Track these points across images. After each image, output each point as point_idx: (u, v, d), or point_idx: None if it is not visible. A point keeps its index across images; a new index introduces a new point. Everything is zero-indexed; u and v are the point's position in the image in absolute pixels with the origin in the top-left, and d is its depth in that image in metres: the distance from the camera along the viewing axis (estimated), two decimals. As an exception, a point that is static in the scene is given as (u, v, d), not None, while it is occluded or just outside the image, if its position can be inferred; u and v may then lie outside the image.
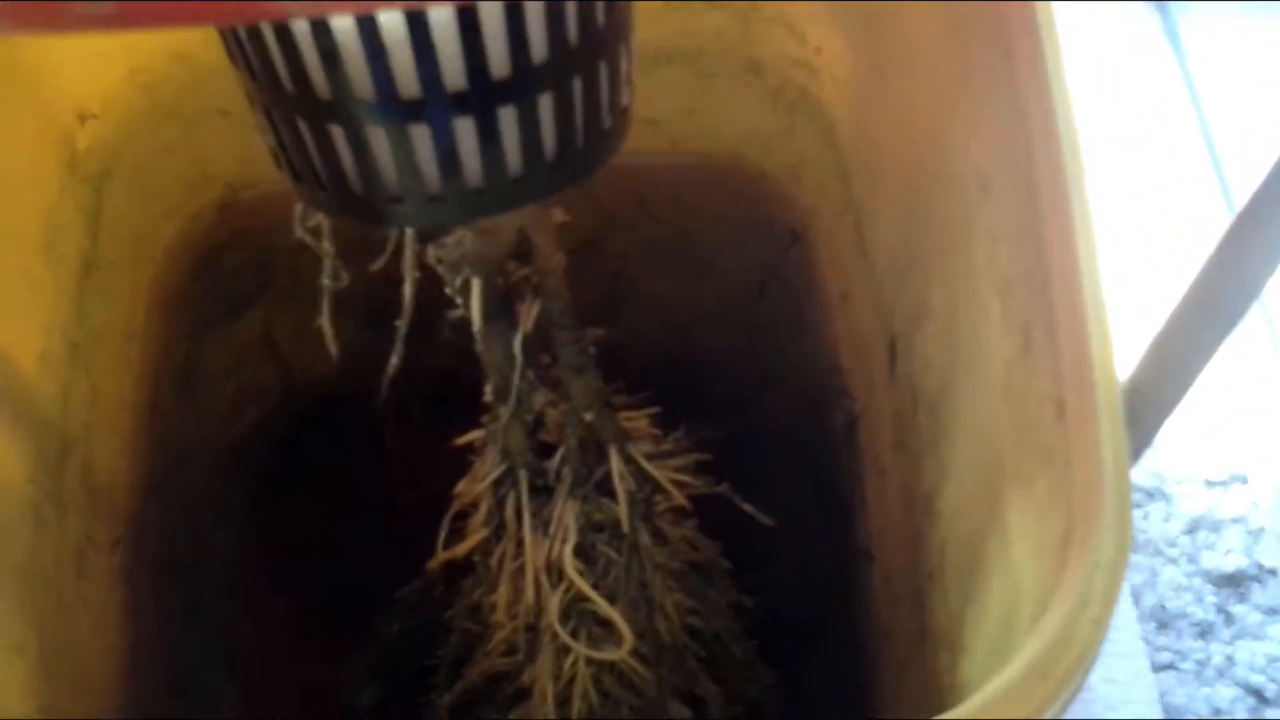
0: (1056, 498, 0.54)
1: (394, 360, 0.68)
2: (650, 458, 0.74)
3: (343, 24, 0.46)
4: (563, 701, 0.76)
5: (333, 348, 0.68)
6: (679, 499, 0.76)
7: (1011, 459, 0.60)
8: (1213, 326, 0.52)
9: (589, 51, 0.51)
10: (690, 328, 1.04)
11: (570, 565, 0.71)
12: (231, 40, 0.52)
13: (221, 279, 0.99)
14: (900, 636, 0.82)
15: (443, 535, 0.77)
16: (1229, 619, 1.22)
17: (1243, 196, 1.28)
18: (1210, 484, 1.29)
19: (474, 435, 0.75)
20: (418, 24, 0.46)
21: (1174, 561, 1.25)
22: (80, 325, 0.82)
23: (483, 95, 0.49)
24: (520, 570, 0.74)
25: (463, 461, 0.80)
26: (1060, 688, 0.49)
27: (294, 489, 1.04)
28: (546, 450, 0.74)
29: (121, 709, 0.82)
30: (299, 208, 0.61)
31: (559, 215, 0.63)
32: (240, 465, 1.03)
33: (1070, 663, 0.49)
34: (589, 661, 0.74)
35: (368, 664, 0.92)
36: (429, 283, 0.68)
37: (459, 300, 0.66)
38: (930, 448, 0.74)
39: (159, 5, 0.32)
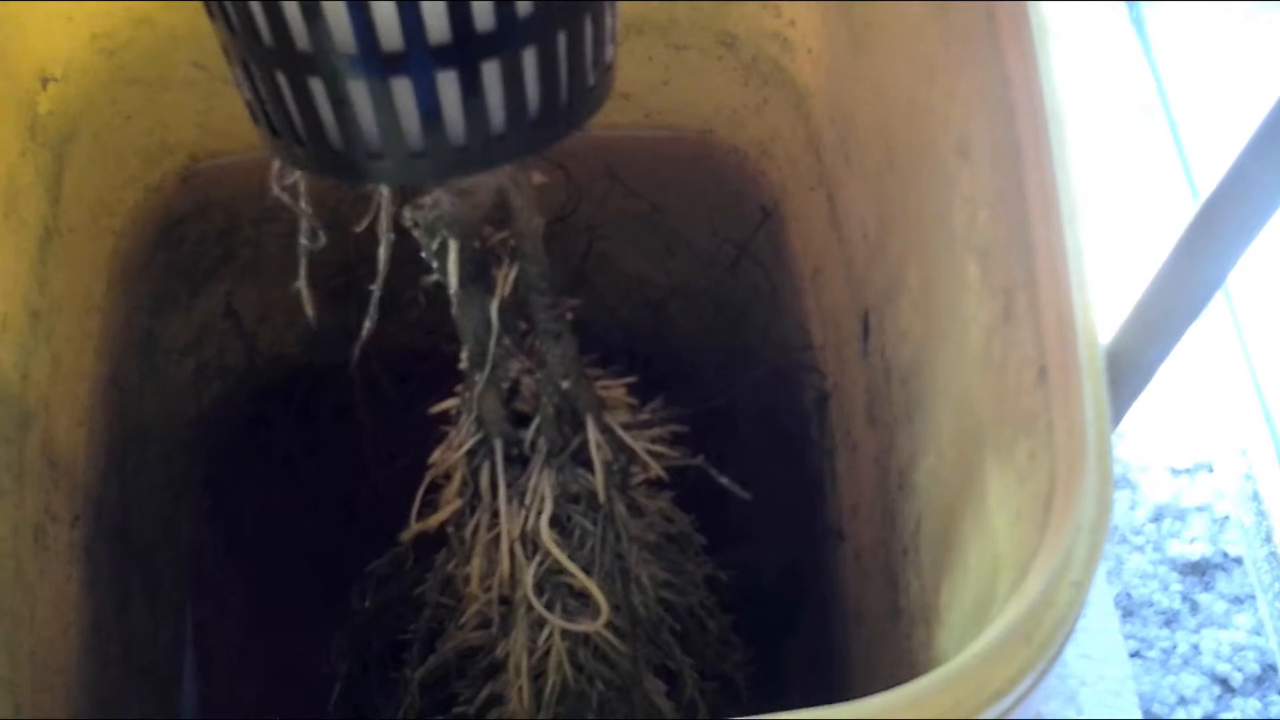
0: (1037, 463, 0.53)
1: (367, 325, 0.67)
2: (627, 427, 0.74)
3: None
4: (537, 675, 0.75)
5: (310, 310, 0.67)
6: (656, 470, 0.76)
7: (991, 426, 0.60)
8: (1196, 288, 0.52)
9: (574, 6, 0.50)
10: (662, 302, 1.04)
11: (547, 536, 0.70)
12: (208, -10, 0.50)
13: (183, 251, 0.98)
14: (871, 614, 0.82)
15: (416, 506, 0.76)
16: (1194, 607, 1.23)
17: (1206, 182, 1.29)
18: (1176, 472, 1.30)
19: (449, 404, 0.74)
20: None
21: (1140, 550, 1.26)
22: (41, 293, 0.81)
23: (466, 48, 0.48)
24: (495, 542, 0.73)
25: (433, 435, 0.79)
26: (1041, 651, 0.49)
27: (260, 464, 1.03)
28: (522, 419, 0.73)
29: (81, 685, 0.81)
30: (275, 166, 0.60)
31: (538, 177, 0.62)
32: (203, 440, 1.02)
33: (1051, 626, 0.49)
34: (564, 634, 0.73)
35: (339, 639, 0.91)
36: (401, 253, 0.68)
37: (434, 264, 0.65)
38: (904, 421, 0.74)
39: None
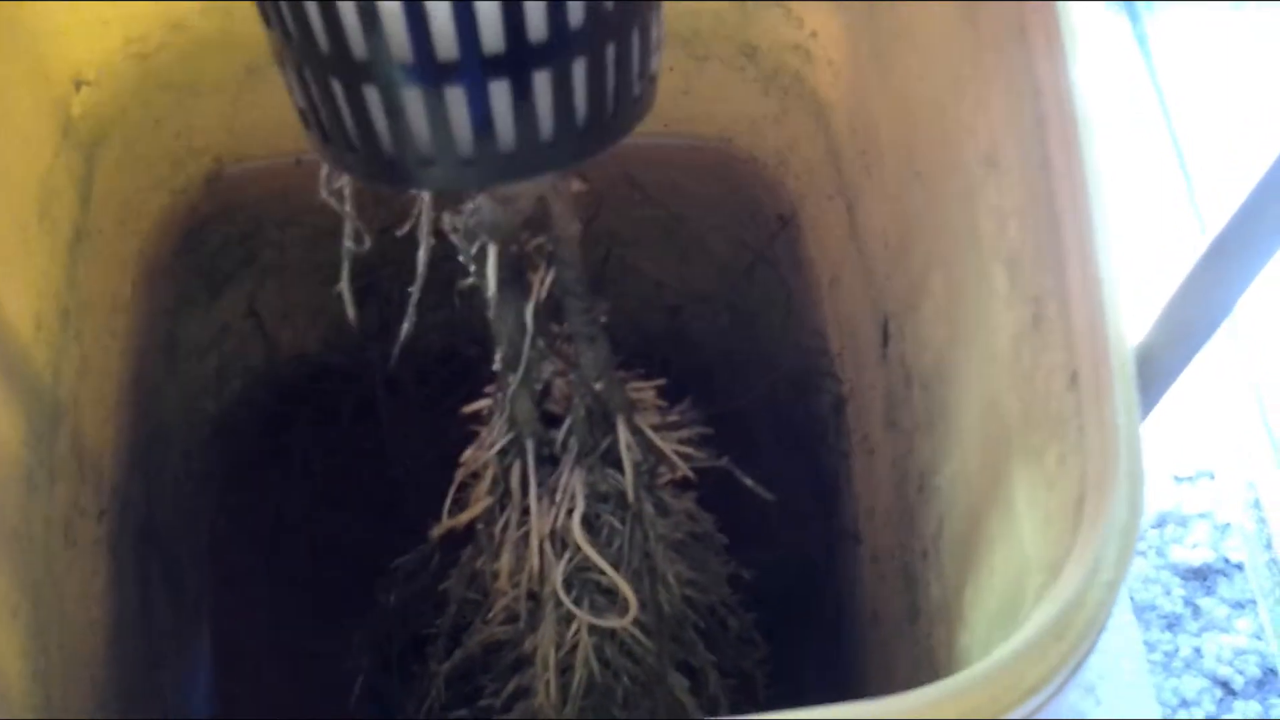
0: (1068, 466, 0.55)
1: (405, 326, 0.69)
2: (656, 429, 0.75)
3: None
4: (564, 669, 0.76)
5: (352, 312, 0.68)
6: (684, 470, 0.77)
7: (1019, 431, 0.61)
8: (1224, 291, 0.54)
9: (623, 17, 0.52)
10: (680, 308, 1.05)
11: (578, 534, 0.72)
12: (268, 2, 0.52)
13: (206, 253, 0.99)
14: (888, 615, 0.83)
15: (448, 503, 0.77)
16: (1197, 611, 1.24)
17: (1206, 195, 1.31)
18: (1179, 479, 1.31)
19: (481, 404, 0.75)
20: None
21: (1143, 555, 1.27)
22: (71, 292, 0.82)
23: (519, 58, 0.50)
24: (524, 538, 0.74)
25: (452, 435, 0.80)
26: (1074, 648, 0.50)
27: (280, 462, 1.04)
28: (553, 420, 0.74)
29: (106, 678, 0.82)
30: (324, 170, 0.61)
31: (577, 184, 0.64)
32: (225, 438, 1.03)
33: (1083, 624, 0.51)
34: (591, 630, 0.75)
35: (361, 634, 0.92)
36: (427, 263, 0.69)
37: (472, 269, 0.66)
38: (925, 426, 0.75)
39: None
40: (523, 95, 0.51)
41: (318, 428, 1.04)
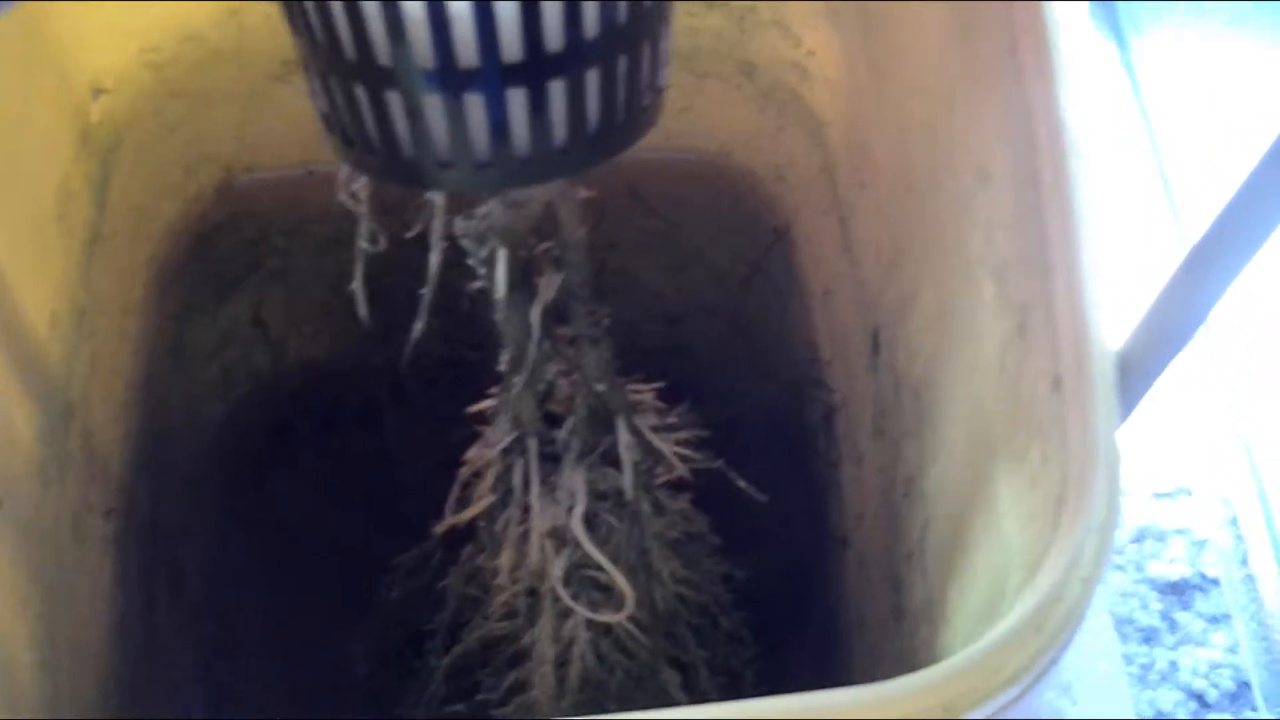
0: (1050, 467, 0.57)
1: (418, 325, 0.71)
2: (654, 430, 0.77)
3: None
4: (560, 663, 0.79)
5: (363, 310, 0.70)
6: (681, 471, 0.79)
7: (1003, 434, 0.63)
8: (1203, 297, 0.56)
9: (635, 30, 0.54)
10: (677, 317, 1.07)
11: (579, 530, 0.74)
12: (295, 7, 0.54)
13: (216, 260, 1.01)
14: (874, 617, 0.86)
15: (452, 500, 0.79)
16: (1173, 625, 1.26)
17: (1190, 214, 1.33)
18: (1157, 496, 1.33)
19: (486, 404, 0.78)
20: None
21: (1121, 569, 1.29)
22: (85, 293, 0.84)
23: (536, 67, 0.52)
24: (525, 535, 0.76)
25: (456, 438, 0.83)
26: (1052, 641, 0.52)
27: (284, 464, 1.06)
28: (555, 420, 0.77)
29: (111, 672, 0.84)
30: (341, 174, 0.64)
31: (585, 191, 0.66)
32: (230, 441, 1.05)
33: (1061, 618, 0.53)
34: (588, 625, 0.77)
35: (362, 631, 0.94)
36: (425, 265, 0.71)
37: (481, 272, 0.68)
38: (913, 432, 0.78)
39: None
40: (538, 103, 0.53)
41: (322, 431, 1.07)
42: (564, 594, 0.75)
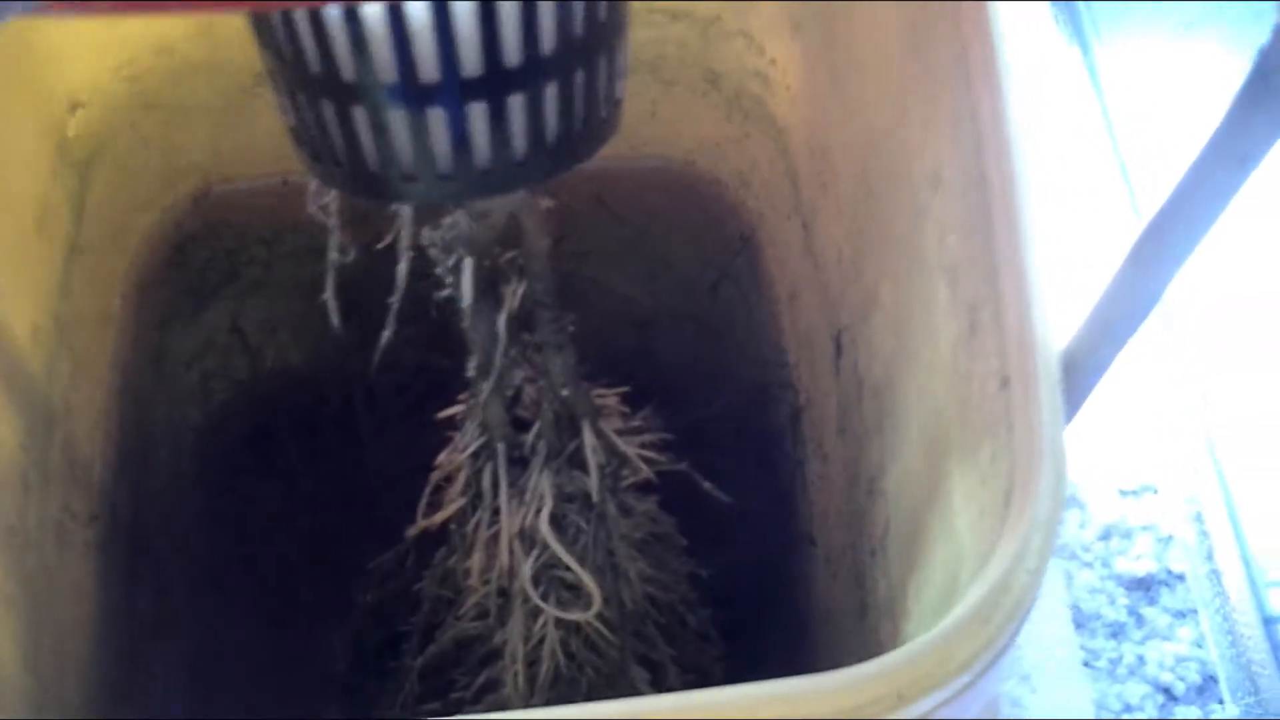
0: (999, 464, 0.59)
1: (385, 334, 0.73)
2: (619, 434, 0.79)
3: (372, 11, 0.51)
4: (531, 662, 0.80)
5: (335, 320, 0.72)
6: (645, 473, 0.81)
7: (957, 432, 0.65)
8: (1142, 298, 0.58)
9: (591, 46, 0.56)
10: (646, 322, 1.09)
11: (546, 531, 0.76)
12: (262, 25, 0.56)
13: (193, 269, 1.03)
14: (839, 613, 0.87)
15: (423, 504, 0.81)
16: (1140, 620, 1.27)
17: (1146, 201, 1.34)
18: (1123, 493, 1.35)
19: (455, 410, 0.80)
20: (442, 14, 0.51)
21: (1088, 566, 1.31)
22: (66, 303, 0.86)
23: (495, 82, 0.54)
24: (495, 537, 0.78)
25: (428, 441, 0.85)
26: (1000, 631, 0.54)
27: (264, 469, 1.07)
28: (523, 424, 0.79)
29: (95, 673, 0.85)
30: (312, 186, 0.66)
31: (546, 201, 0.68)
32: (210, 446, 1.06)
33: (1009, 608, 0.54)
34: (558, 624, 0.79)
35: (341, 633, 0.96)
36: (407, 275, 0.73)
37: (448, 281, 0.70)
38: (875, 431, 0.80)
39: None
40: (498, 116, 0.55)
41: (299, 437, 1.08)
42: (533, 594, 0.77)
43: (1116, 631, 1.27)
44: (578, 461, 0.78)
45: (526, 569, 0.77)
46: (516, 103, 0.55)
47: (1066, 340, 0.62)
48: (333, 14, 0.52)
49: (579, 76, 0.56)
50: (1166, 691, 1.23)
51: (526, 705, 0.82)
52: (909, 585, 0.72)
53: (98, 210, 0.90)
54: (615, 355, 0.91)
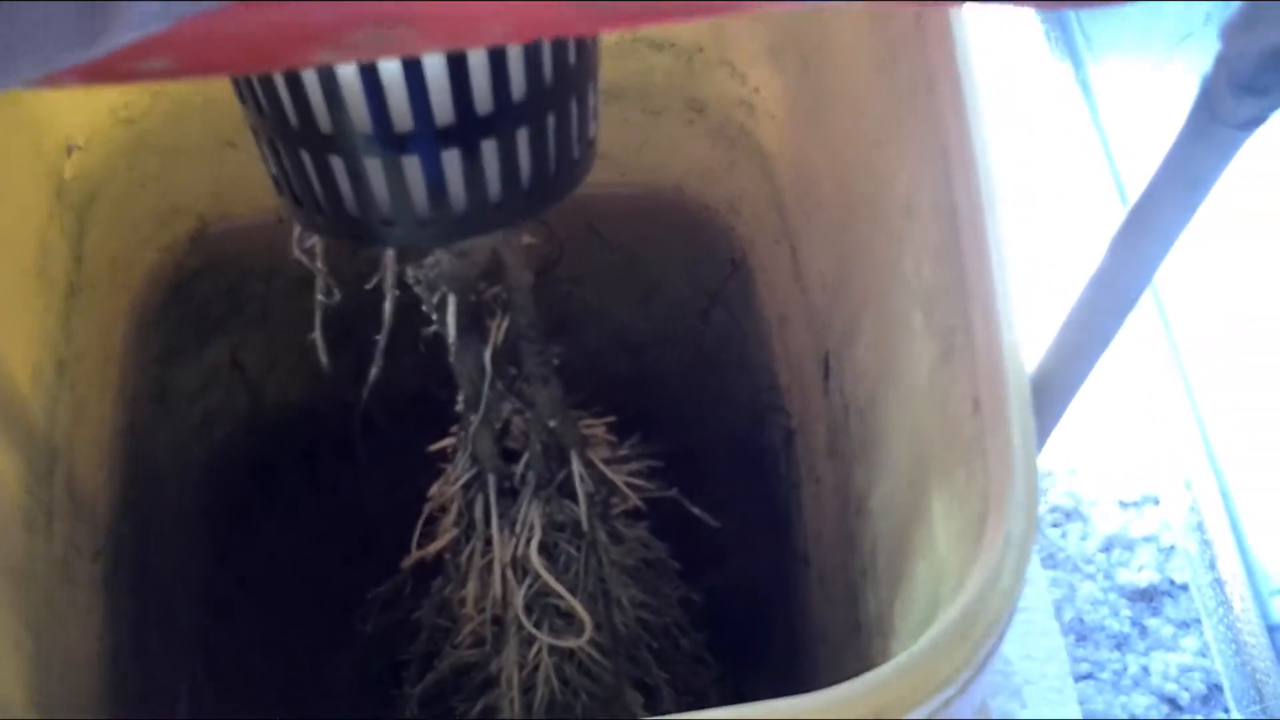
0: (974, 485, 0.60)
1: (373, 371, 0.74)
2: (607, 462, 0.81)
3: (346, 65, 0.53)
4: (527, 689, 0.82)
5: (324, 357, 0.74)
6: (633, 500, 0.83)
7: (936, 454, 0.66)
8: (1106, 319, 0.59)
9: (561, 90, 0.57)
10: (640, 348, 1.10)
11: (536, 560, 0.77)
12: (243, 81, 0.57)
13: (193, 306, 1.04)
14: (835, 632, 0.88)
15: (416, 535, 0.83)
16: (1143, 631, 1.28)
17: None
18: (1124, 505, 1.36)
19: (446, 442, 0.81)
20: (413, 68, 0.53)
21: (1091, 578, 1.32)
22: (67, 343, 0.87)
23: (467, 129, 0.55)
24: (488, 566, 0.80)
25: (427, 473, 0.86)
26: (976, 648, 0.55)
27: (267, 501, 1.09)
28: (512, 455, 0.80)
29: (104, 709, 0.86)
30: (296, 231, 0.67)
31: (527, 238, 0.70)
32: (214, 480, 1.08)
33: (985, 627, 0.55)
34: (551, 650, 0.80)
35: (344, 662, 0.97)
36: (396, 307, 0.75)
37: (434, 317, 0.72)
38: (861, 453, 0.81)
39: (214, 58, 0.38)
40: (472, 162, 0.56)
41: (301, 470, 1.10)
42: (526, 621, 0.79)
43: (1120, 643, 1.27)
44: (567, 490, 0.80)
45: (519, 597, 0.79)
46: (489, 148, 0.56)
47: (1036, 364, 0.63)
48: (308, 69, 0.53)
49: (550, 120, 0.58)
50: (1171, 702, 1.24)
51: (524, 731, 0.83)
52: (895, 603, 0.73)
53: (97, 251, 0.92)
54: (609, 381, 0.92)
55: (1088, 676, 1.25)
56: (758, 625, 1.03)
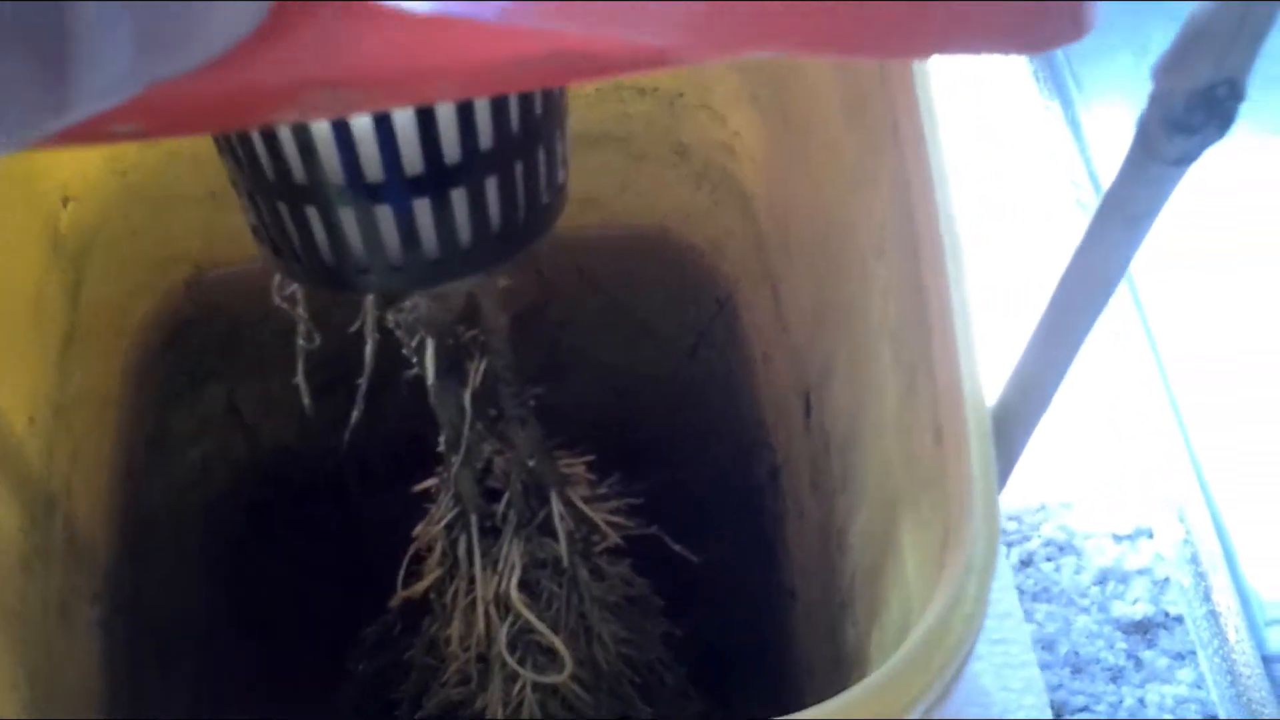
0: (936, 514, 0.61)
1: (355, 414, 0.76)
2: (587, 500, 0.82)
3: (318, 123, 0.55)
4: (512, 724, 0.83)
5: (306, 400, 0.75)
6: (613, 538, 0.84)
7: (904, 486, 0.68)
8: (1058, 352, 0.61)
9: (529, 138, 0.59)
10: (628, 388, 1.12)
11: (516, 598, 0.79)
12: (221, 137, 0.59)
13: (189, 352, 1.06)
14: (819, 665, 0.90)
15: (400, 576, 0.84)
16: (1139, 664, 1.29)
17: (1141, 265, 1.37)
18: (1118, 538, 1.37)
19: (429, 483, 0.83)
20: (382, 121, 0.55)
21: (1085, 611, 1.33)
22: (63, 390, 0.89)
23: (436, 179, 0.57)
24: (472, 605, 0.81)
25: (422, 512, 0.88)
26: (937, 676, 0.57)
27: (264, 543, 1.11)
28: (494, 495, 0.82)
29: (102, 749, 0.88)
30: (276, 279, 0.69)
31: (503, 281, 0.71)
32: (210, 523, 1.09)
33: (946, 654, 0.56)
34: (535, 687, 0.81)
35: (338, 702, 0.98)
36: (387, 350, 0.77)
37: (414, 360, 0.73)
38: (840, 487, 0.82)
39: (180, 121, 0.40)
40: (442, 210, 0.58)
41: (297, 512, 1.11)
42: (509, 659, 0.80)
43: (1115, 675, 1.28)
44: (548, 529, 0.81)
45: (503, 634, 0.80)
46: (459, 197, 0.58)
47: (996, 397, 0.65)
48: (282, 125, 0.55)
49: (519, 168, 0.59)
50: (1169, 733, 1.25)
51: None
52: (871, 634, 0.75)
53: (93, 299, 0.94)
54: (597, 421, 0.94)
55: (1083, 709, 1.26)
56: (744, 659, 1.04)
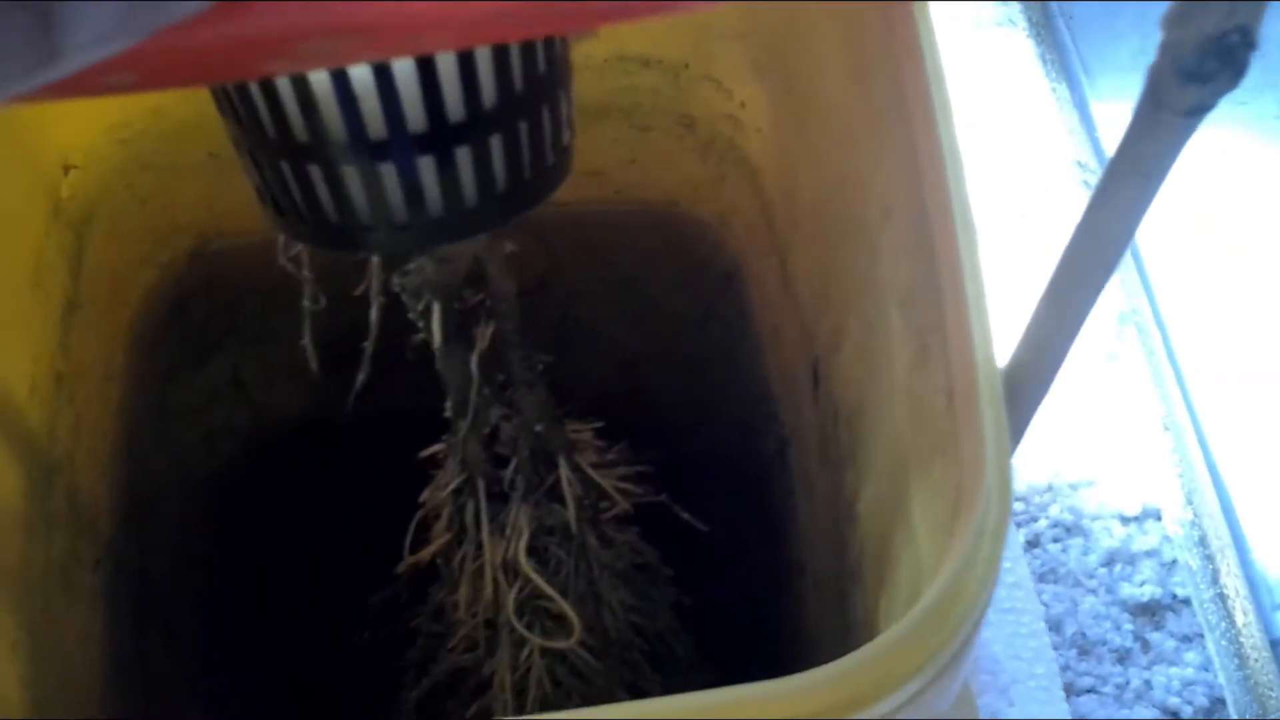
0: (948, 477, 0.61)
1: (360, 377, 0.75)
2: (595, 467, 0.82)
3: (319, 76, 0.54)
4: (519, 691, 0.82)
5: (314, 364, 0.75)
6: (622, 504, 0.84)
7: (914, 452, 0.67)
8: (1070, 311, 0.60)
9: (533, 97, 0.59)
10: (635, 362, 1.12)
11: (525, 563, 0.78)
12: (221, 93, 0.59)
13: (193, 324, 1.06)
14: (828, 636, 0.89)
15: (408, 541, 0.84)
16: (1146, 645, 1.29)
17: (1148, 242, 1.35)
18: (1125, 520, 1.36)
19: (436, 449, 0.82)
20: (384, 75, 0.54)
21: (1093, 592, 1.32)
22: (65, 359, 0.88)
23: (441, 136, 0.56)
24: (479, 571, 0.81)
25: (426, 480, 0.87)
26: (951, 636, 0.56)
27: (267, 513, 1.10)
28: (501, 460, 0.81)
29: (104, 714, 0.87)
30: (280, 240, 0.68)
31: (509, 245, 0.71)
32: (214, 493, 1.09)
33: (960, 614, 0.56)
34: (543, 653, 0.81)
35: (350, 668, 0.98)
36: (390, 318, 0.76)
37: (421, 324, 0.73)
38: (849, 458, 0.82)
39: (174, 72, 0.39)
40: (446, 168, 0.57)
41: (301, 482, 1.11)
42: (518, 624, 0.80)
43: (1123, 657, 1.28)
44: (556, 495, 0.81)
45: (511, 600, 0.80)
46: (463, 155, 0.57)
47: (1009, 357, 0.64)
48: (283, 80, 0.54)
49: (523, 127, 0.59)
50: (1174, 715, 1.24)
51: (517, 734, 0.84)
52: (880, 602, 0.74)
53: (95, 268, 0.93)
54: (605, 396, 0.93)
55: (1090, 691, 1.25)
56: (753, 630, 1.03)
